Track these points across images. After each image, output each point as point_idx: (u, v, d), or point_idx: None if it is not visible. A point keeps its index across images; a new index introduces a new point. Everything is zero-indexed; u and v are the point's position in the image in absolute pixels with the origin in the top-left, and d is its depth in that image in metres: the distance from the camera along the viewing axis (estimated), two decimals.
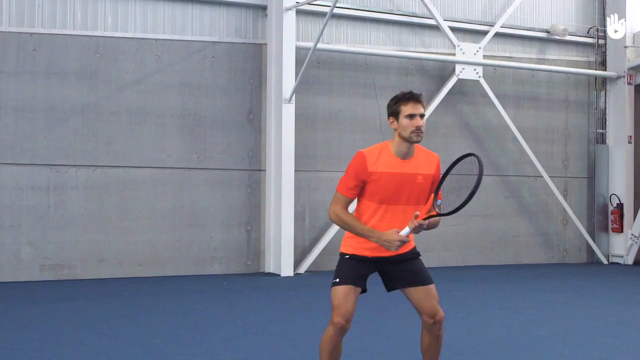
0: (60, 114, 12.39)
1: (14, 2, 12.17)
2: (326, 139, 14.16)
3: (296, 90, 13.23)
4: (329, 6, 13.75)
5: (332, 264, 13.85)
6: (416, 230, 4.88)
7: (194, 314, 9.35)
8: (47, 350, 7.21)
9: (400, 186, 5.06)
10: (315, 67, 13.98)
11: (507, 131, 15.64)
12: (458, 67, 14.87)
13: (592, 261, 16.76)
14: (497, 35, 15.52)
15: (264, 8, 13.74)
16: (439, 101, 14.76)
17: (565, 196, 16.45)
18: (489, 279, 13.58)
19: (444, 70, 15.18)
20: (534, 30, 16.20)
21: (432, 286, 5.23)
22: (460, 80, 15.01)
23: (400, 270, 5.23)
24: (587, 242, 16.61)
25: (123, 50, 12.81)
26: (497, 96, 15.30)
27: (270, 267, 13.47)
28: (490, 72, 15.57)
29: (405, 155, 5.12)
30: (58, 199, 12.34)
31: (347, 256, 5.21)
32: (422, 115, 5.09)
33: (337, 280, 5.12)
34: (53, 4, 12.39)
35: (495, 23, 15.52)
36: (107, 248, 12.62)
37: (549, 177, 15.94)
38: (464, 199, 4.88)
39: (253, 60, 13.67)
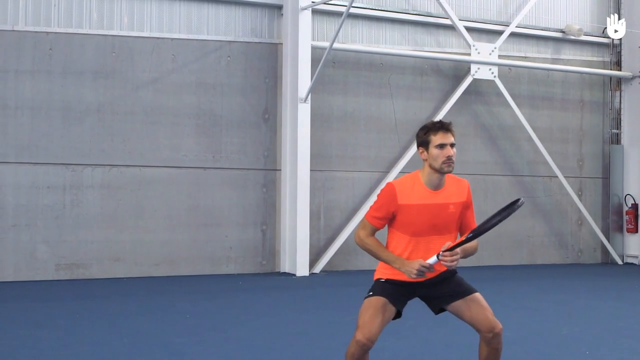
0: (76, 113, 12.40)
1: (31, 1, 12.18)
2: (341, 138, 14.14)
3: (312, 90, 13.22)
4: (344, 6, 13.76)
5: (347, 264, 13.95)
6: (446, 260, 4.81)
7: (212, 314, 9.35)
8: (67, 349, 7.21)
9: (433, 217, 5.00)
10: (331, 67, 13.96)
11: (522, 131, 15.60)
12: (473, 67, 14.84)
13: (607, 261, 16.71)
14: (512, 35, 15.48)
15: (279, 7, 13.73)
16: (454, 101, 14.73)
17: (580, 196, 16.39)
18: (505, 279, 13.54)
19: (459, 70, 15.15)
20: (549, 30, 16.15)
21: (478, 295, 5.12)
22: (475, 80, 14.98)
23: (440, 290, 5.16)
24: (602, 243, 16.55)
25: (139, 49, 12.81)
26: (512, 96, 15.26)
27: (285, 267, 13.46)
28: (505, 72, 15.53)
29: (437, 186, 5.05)
30: (74, 198, 12.36)
31: (383, 280, 5.14)
32: (452, 145, 5.00)
33: (371, 293, 5.06)
34: (69, 4, 12.40)
35: (510, 23, 15.48)
36: (123, 247, 12.63)
37: (564, 177, 15.89)
38: (493, 222, 4.90)
39: (269, 60, 13.66)
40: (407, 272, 4.90)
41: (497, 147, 15.59)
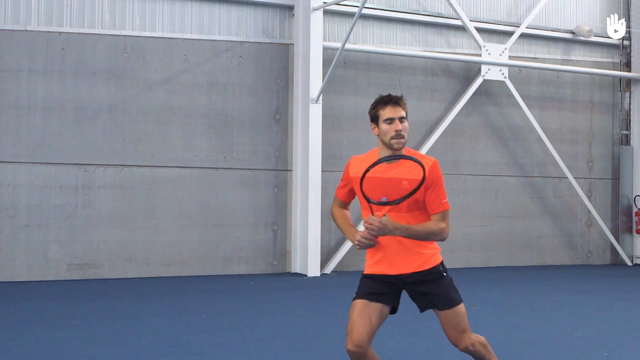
0: (88, 113, 12.41)
1: (43, 1, 12.19)
2: (352, 139, 14.14)
3: (323, 90, 13.21)
4: (355, 6, 13.77)
5: (357, 265, 13.94)
6: (372, 232, 4.70)
7: (227, 315, 9.36)
8: (87, 350, 7.20)
9: (384, 192, 4.79)
10: (342, 67, 13.96)
11: (532, 132, 15.59)
12: (484, 68, 14.83)
13: (616, 262, 16.70)
14: (522, 35, 15.47)
15: (290, 8, 13.73)
16: (464, 102, 14.73)
17: (589, 197, 16.39)
18: (516, 280, 13.53)
19: (469, 71, 15.14)
20: (559, 31, 16.14)
21: (453, 311, 4.96)
22: (485, 81, 14.97)
23: (422, 292, 5.00)
24: (611, 244, 16.55)
25: (151, 49, 12.81)
26: (521, 97, 15.25)
27: (296, 268, 13.45)
28: (515, 72, 15.53)
29: (391, 161, 4.84)
30: (86, 198, 12.36)
31: (363, 275, 5.05)
32: (402, 119, 4.82)
33: (354, 295, 4.99)
34: (81, 4, 12.40)
35: (520, 24, 15.48)
36: (134, 247, 12.63)
37: (574, 178, 15.88)
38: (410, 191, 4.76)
39: (280, 60, 13.66)
40: (352, 242, 4.84)
41: (507, 148, 15.59)
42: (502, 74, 14.99)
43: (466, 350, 5.04)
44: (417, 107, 14.71)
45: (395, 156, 4.80)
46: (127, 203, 12.61)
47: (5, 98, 11.96)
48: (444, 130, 14.61)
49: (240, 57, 13.41)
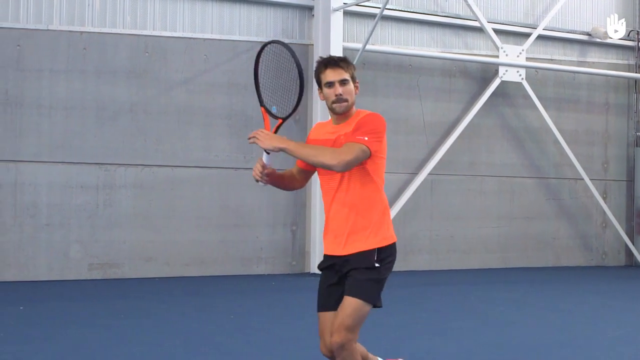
0: (109, 112, 12.42)
1: (65, 1, 12.20)
2: None
3: None
4: (374, 7, 13.79)
5: None
6: (253, 141, 4.54)
7: (255, 315, 9.36)
8: (120, 349, 7.21)
9: None
10: (361, 68, 13.96)
11: (548, 133, 15.61)
12: (501, 69, 14.83)
13: (631, 264, 16.71)
14: (539, 37, 15.47)
15: (310, 8, 13.75)
16: (481, 103, 14.74)
17: (604, 199, 16.40)
18: (534, 281, 13.53)
19: (487, 72, 15.15)
20: (575, 33, 16.16)
21: (351, 300, 4.51)
22: (502, 83, 14.98)
23: (348, 278, 4.64)
24: (626, 245, 16.55)
25: (172, 49, 12.83)
26: (538, 98, 15.26)
27: (314, 268, 13.47)
28: (532, 74, 15.54)
29: (339, 123, 4.66)
30: (107, 197, 12.38)
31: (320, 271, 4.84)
32: (343, 81, 4.52)
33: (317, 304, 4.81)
34: (103, 3, 12.42)
35: (536, 25, 15.48)
36: (155, 247, 12.65)
37: (589, 179, 15.89)
38: (297, 93, 4.64)
39: (299, 61, 13.63)
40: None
41: (523, 150, 15.60)
42: (520, 75, 15.00)
43: (334, 348, 4.52)
44: (435, 108, 14.74)
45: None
46: (147, 203, 12.62)
47: (26, 97, 11.98)
48: (462, 132, 14.61)
49: None
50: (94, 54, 12.37)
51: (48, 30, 12.11)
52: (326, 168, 4.45)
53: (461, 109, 14.94)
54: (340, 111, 4.53)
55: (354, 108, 4.65)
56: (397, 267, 15.39)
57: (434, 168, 14.37)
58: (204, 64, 13.05)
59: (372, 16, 13.95)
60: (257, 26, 13.49)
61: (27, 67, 11.99)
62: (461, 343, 7.87)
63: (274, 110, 4.74)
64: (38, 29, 12.05)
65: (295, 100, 4.67)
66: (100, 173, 12.35)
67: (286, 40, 13.55)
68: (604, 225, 16.46)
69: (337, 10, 13.31)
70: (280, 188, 5.10)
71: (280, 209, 13.52)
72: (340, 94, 4.49)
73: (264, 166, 4.71)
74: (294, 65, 4.69)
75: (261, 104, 4.78)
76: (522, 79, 15.03)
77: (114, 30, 12.49)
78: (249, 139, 4.60)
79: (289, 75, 4.75)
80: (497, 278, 13.73)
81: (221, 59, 13.18)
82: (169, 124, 12.78)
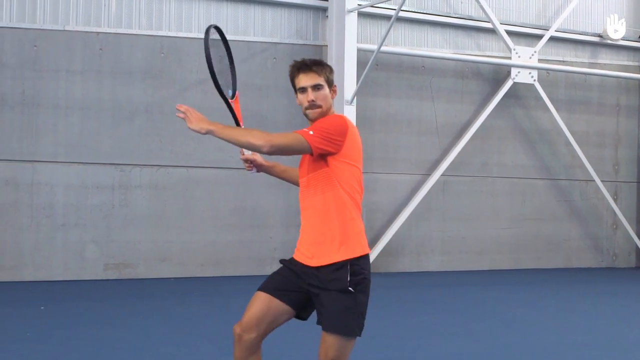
0: (125, 113, 12.44)
1: (82, 2, 12.22)
2: (383, 140, 14.18)
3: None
4: (387, 8, 13.82)
5: (388, 266, 13.99)
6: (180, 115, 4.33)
7: None
8: (152, 349, 7.22)
9: (301, 159, 4.39)
10: (374, 69, 13.97)
11: (559, 135, 15.64)
12: (514, 71, 14.86)
13: None
14: (551, 39, 15.49)
15: (324, 9, 13.77)
16: (494, 105, 14.77)
17: (615, 200, 16.43)
18: (547, 282, 13.56)
19: (499, 74, 15.18)
20: (587, 35, 16.19)
21: (332, 339, 4.11)
22: (514, 84, 15.00)
23: (320, 300, 4.21)
24: (637, 246, 16.59)
25: (187, 50, 12.84)
26: (550, 100, 15.29)
27: None
28: (544, 75, 15.57)
29: None
30: (122, 198, 12.39)
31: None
32: (316, 87, 4.25)
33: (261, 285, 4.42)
34: (119, 4, 12.44)
35: (548, 26, 15.51)
36: (170, 248, 12.66)
37: (600, 181, 15.92)
38: (231, 69, 4.72)
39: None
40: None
41: (535, 151, 15.63)
42: (532, 76, 15.02)
43: None
44: (447, 109, 14.77)
45: None
46: (162, 203, 12.64)
47: (43, 98, 12.00)
48: (474, 133, 14.63)
49: (275, 58, 13.44)
50: (110, 54, 12.39)
51: (64, 30, 12.13)
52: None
53: (473, 110, 14.97)
54: (313, 118, 4.27)
55: (332, 113, 4.38)
56: (409, 267, 15.47)
57: (446, 169, 14.39)
58: (218, 64, 13.01)
59: (385, 17, 13.98)
60: (271, 27, 13.51)
61: (43, 68, 12.01)
62: (485, 344, 7.89)
63: (230, 94, 4.72)
64: (55, 29, 12.07)
65: (233, 74, 4.74)
66: (116, 173, 12.37)
67: (300, 42, 13.62)
68: (614, 226, 16.50)
69: (351, 11, 13.32)
70: (290, 182, 4.91)
71: (294, 210, 13.50)
72: (313, 100, 4.25)
73: (241, 152, 4.59)
74: (222, 41, 4.76)
75: (226, 99, 4.76)
76: (534, 80, 15.05)
77: (129, 31, 12.51)
78: (177, 113, 4.38)
79: (223, 55, 4.80)
80: (510, 279, 13.75)
81: (236, 59, 12.90)
82: (184, 124, 12.60)
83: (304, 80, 4.26)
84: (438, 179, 14.40)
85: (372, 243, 13.91)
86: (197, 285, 11.85)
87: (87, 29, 12.26)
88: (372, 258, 13.69)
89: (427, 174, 14.46)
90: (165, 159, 12.65)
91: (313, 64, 4.29)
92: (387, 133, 14.20)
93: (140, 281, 12.19)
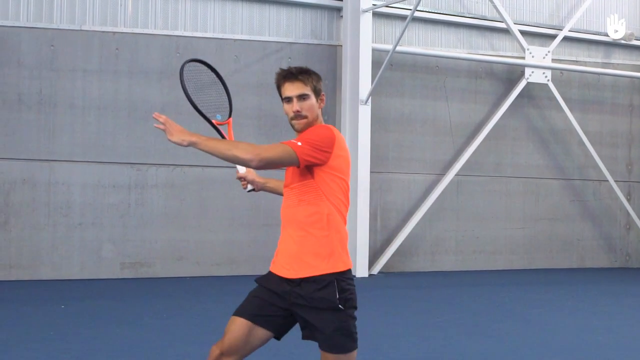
0: (141, 112, 12.47)
1: (98, 2, 12.26)
2: (398, 140, 14.19)
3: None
4: (402, 8, 13.83)
5: (402, 266, 14.01)
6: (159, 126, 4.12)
7: None
8: (175, 348, 7.25)
9: (287, 170, 4.23)
10: (388, 69, 13.99)
11: (572, 135, 15.65)
12: (527, 71, 14.86)
13: None
14: (564, 38, 15.50)
15: (338, 9, 13.79)
16: (507, 105, 14.77)
17: (628, 200, 16.43)
18: (562, 282, 13.56)
19: (512, 74, 15.19)
20: (600, 35, 16.18)
21: (332, 355, 4.02)
22: (527, 84, 15.00)
23: (308, 320, 4.08)
24: None
25: (203, 50, 12.86)
26: (563, 100, 15.29)
27: None
28: (557, 75, 15.57)
29: None
30: (138, 197, 12.43)
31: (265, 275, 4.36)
32: (302, 96, 4.11)
33: (238, 308, 4.28)
34: (135, 4, 12.48)
35: (562, 27, 15.51)
36: (186, 247, 12.70)
37: (614, 181, 15.91)
38: (225, 92, 4.85)
39: (328, 62, 13.71)
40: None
41: (548, 151, 15.64)
42: (546, 76, 15.03)
43: None
44: (461, 109, 14.78)
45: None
46: (178, 202, 12.67)
47: (60, 97, 12.04)
48: (488, 133, 14.64)
49: (290, 58, 13.47)
50: (126, 54, 12.43)
51: (81, 30, 12.17)
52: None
53: (487, 110, 14.98)
54: (299, 129, 4.12)
55: (320, 122, 4.24)
56: (423, 267, 15.47)
57: (460, 169, 14.41)
58: (234, 64, 13.09)
59: (399, 17, 14.00)
60: (286, 27, 13.54)
61: (60, 67, 12.05)
62: (509, 344, 7.90)
63: (218, 118, 4.68)
64: (71, 29, 12.12)
65: (228, 99, 4.79)
66: (132, 173, 12.40)
67: (315, 42, 13.64)
68: (627, 227, 16.50)
69: (366, 11, 13.34)
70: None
71: None
72: (299, 111, 4.09)
73: (237, 171, 4.53)
74: (209, 70, 4.84)
75: (209, 121, 4.70)
76: (548, 80, 15.06)
77: (145, 31, 12.55)
78: (156, 124, 4.16)
79: (212, 81, 4.81)
80: (525, 279, 13.75)
81: (251, 59, 13.22)
82: (200, 124, 12.61)
83: (290, 89, 4.13)
84: (452, 179, 14.41)
85: (387, 243, 13.94)
86: (214, 285, 11.88)
87: (104, 28, 12.30)
88: (386, 258, 13.75)
89: (442, 174, 14.47)
90: (181, 159, 12.67)
91: (299, 72, 4.15)
92: (401, 133, 14.22)
93: (156, 280, 12.22)
